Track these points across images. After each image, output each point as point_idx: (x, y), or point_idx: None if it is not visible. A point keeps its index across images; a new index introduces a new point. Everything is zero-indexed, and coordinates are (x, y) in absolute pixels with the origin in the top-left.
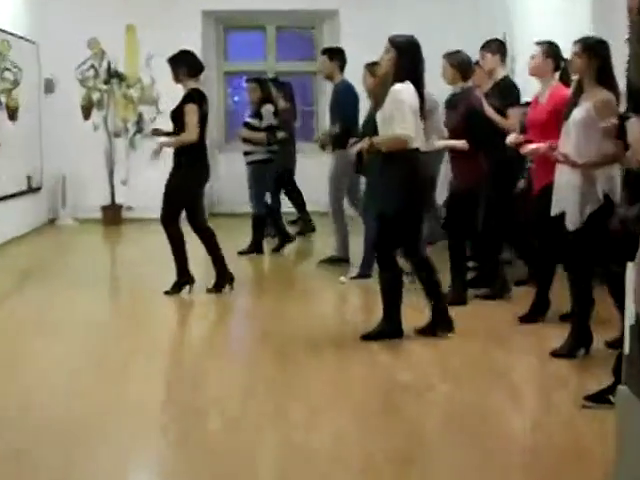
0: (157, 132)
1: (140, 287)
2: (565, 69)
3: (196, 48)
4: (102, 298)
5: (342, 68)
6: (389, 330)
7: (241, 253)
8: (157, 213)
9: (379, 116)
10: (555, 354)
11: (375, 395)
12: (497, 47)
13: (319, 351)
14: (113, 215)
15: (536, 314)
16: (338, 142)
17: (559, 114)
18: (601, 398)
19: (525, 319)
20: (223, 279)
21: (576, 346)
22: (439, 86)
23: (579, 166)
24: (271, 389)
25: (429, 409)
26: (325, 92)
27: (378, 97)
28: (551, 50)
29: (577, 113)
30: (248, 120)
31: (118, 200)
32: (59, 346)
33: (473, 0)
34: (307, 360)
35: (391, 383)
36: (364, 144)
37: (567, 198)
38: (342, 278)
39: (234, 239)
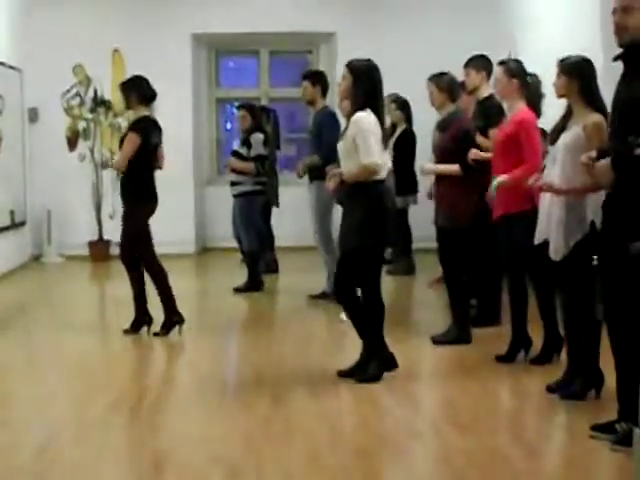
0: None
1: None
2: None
3: (186, 73)
4: (88, 341)
5: (324, 93)
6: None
7: (237, 290)
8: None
9: (341, 146)
10: (550, 389)
11: (377, 437)
12: (482, 64)
13: (317, 393)
14: (101, 251)
15: (516, 352)
16: (317, 173)
17: (516, 137)
18: (610, 429)
19: (503, 358)
20: (171, 321)
21: (586, 387)
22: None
23: (564, 192)
24: (269, 433)
25: (431, 452)
26: None
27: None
28: (516, 69)
29: (565, 137)
30: (236, 149)
31: (106, 235)
32: (42, 390)
33: (474, 21)
34: (305, 402)
35: (394, 425)
36: (335, 178)
37: (551, 227)
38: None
39: (225, 275)
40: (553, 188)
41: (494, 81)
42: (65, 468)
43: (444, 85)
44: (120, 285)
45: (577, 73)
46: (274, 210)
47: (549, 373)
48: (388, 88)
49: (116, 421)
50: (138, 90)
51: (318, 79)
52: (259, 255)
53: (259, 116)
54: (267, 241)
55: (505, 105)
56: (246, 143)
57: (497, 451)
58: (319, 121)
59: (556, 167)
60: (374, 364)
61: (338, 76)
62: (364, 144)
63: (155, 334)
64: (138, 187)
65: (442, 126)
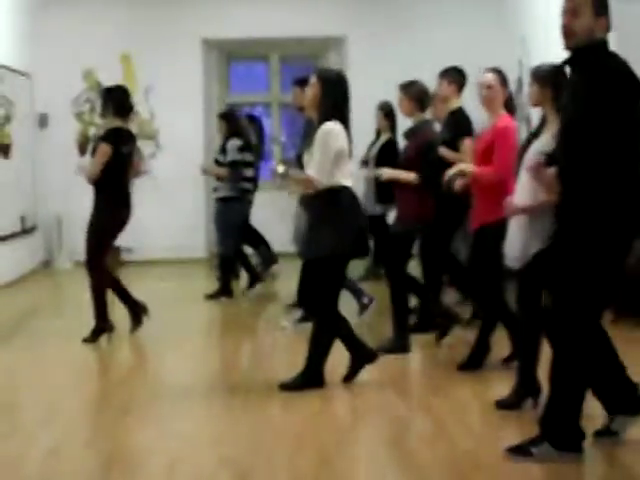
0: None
1: (138, 334)
2: (509, 99)
3: (197, 78)
4: (97, 347)
5: None
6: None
7: (210, 297)
8: (158, 254)
9: (306, 155)
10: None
11: (387, 442)
12: (454, 76)
13: (327, 397)
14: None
15: (477, 361)
16: None
17: (492, 146)
18: (525, 451)
19: (464, 366)
20: (101, 328)
21: (523, 396)
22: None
23: (527, 211)
24: (279, 437)
25: (443, 461)
26: None
27: (307, 134)
28: (501, 78)
29: (536, 144)
30: (215, 156)
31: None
32: (52, 396)
33: (486, 26)
34: (315, 406)
35: (404, 430)
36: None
37: (514, 235)
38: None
39: (237, 279)
40: (517, 210)
41: (484, 87)
42: (73, 474)
43: (411, 93)
44: (130, 290)
45: (549, 81)
46: (272, 216)
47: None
48: (397, 93)
49: (125, 426)
50: (117, 102)
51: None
52: (233, 261)
53: (237, 123)
54: (255, 239)
55: (481, 115)
56: (223, 150)
57: (508, 456)
58: (307, 128)
59: (525, 177)
60: (304, 375)
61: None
62: (320, 158)
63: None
64: (109, 196)
65: (408, 134)
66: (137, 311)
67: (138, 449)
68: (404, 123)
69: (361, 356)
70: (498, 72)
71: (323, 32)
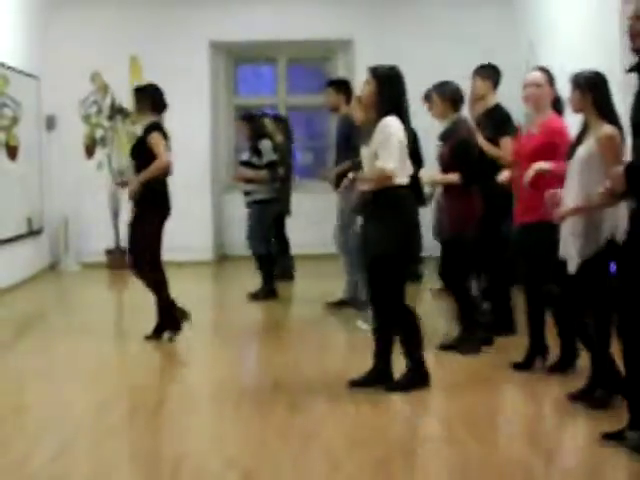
0: (125, 184)
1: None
2: (557, 99)
3: (204, 80)
4: (105, 349)
5: (348, 100)
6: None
7: (254, 297)
8: (164, 256)
9: (365, 151)
10: (572, 397)
11: (394, 447)
12: (489, 73)
13: (333, 400)
14: (118, 259)
15: (531, 361)
16: (342, 179)
17: (549, 146)
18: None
19: (520, 366)
20: (162, 326)
21: (608, 395)
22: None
23: (580, 210)
24: (285, 440)
25: (449, 461)
26: None
27: (363, 131)
28: (552, 78)
29: (580, 151)
30: (245, 159)
31: (123, 244)
32: (59, 397)
33: (493, 26)
34: (323, 410)
35: (411, 434)
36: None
37: (569, 242)
38: (360, 323)
39: (243, 282)
40: (570, 212)
41: (531, 86)
42: (82, 474)
43: (445, 94)
44: (137, 293)
45: (590, 87)
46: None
47: (566, 381)
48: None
49: (132, 427)
50: (153, 98)
51: (342, 86)
52: (274, 261)
53: (261, 123)
54: (281, 248)
55: (528, 113)
56: (255, 151)
57: (515, 459)
58: (344, 129)
59: (572, 182)
60: (408, 375)
61: (356, 83)
62: (386, 149)
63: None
64: (153, 192)
65: (443, 136)
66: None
67: (144, 450)
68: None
69: (381, 374)
70: (546, 71)
71: (331, 35)
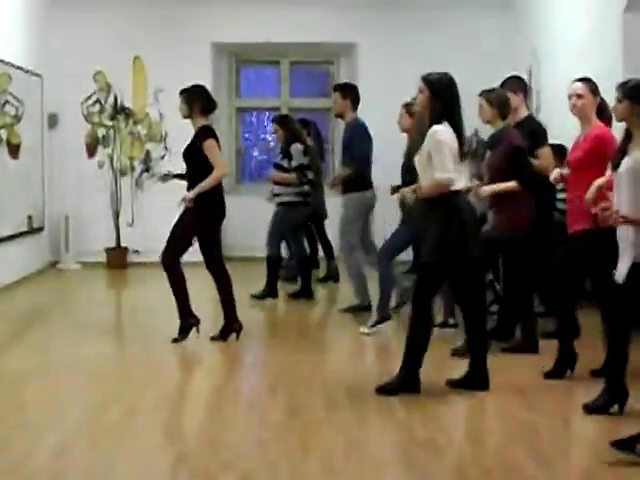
0: (167, 177)
1: (145, 335)
2: (602, 107)
3: (207, 82)
4: (105, 347)
5: (355, 106)
6: (406, 383)
7: (255, 297)
8: None
9: (417, 159)
10: (588, 409)
11: (393, 452)
12: (517, 85)
13: (335, 404)
14: (118, 258)
15: (563, 369)
16: (350, 185)
17: (595, 155)
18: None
19: (551, 374)
20: (230, 327)
21: (610, 402)
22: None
23: (636, 223)
24: (283, 442)
25: (448, 467)
26: (341, 130)
27: (414, 138)
28: (595, 87)
29: (626, 163)
30: (276, 161)
31: (123, 243)
32: (59, 396)
33: (496, 31)
34: (323, 414)
35: (409, 439)
36: (408, 194)
37: (623, 251)
38: (363, 329)
39: (247, 284)
40: (630, 220)
41: (575, 97)
42: (80, 472)
43: (493, 100)
44: (137, 292)
45: (637, 97)
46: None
47: (557, 389)
48: (409, 99)
49: (131, 426)
50: (203, 100)
51: (349, 91)
52: (279, 263)
53: (293, 127)
54: (325, 251)
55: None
56: (287, 155)
57: (514, 465)
58: (350, 133)
59: (622, 194)
60: (399, 377)
61: (359, 86)
62: (438, 158)
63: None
64: (210, 193)
65: (491, 144)
66: (187, 325)
67: (142, 450)
68: None
69: (409, 381)
70: (588, 80)
71: (334, 38)
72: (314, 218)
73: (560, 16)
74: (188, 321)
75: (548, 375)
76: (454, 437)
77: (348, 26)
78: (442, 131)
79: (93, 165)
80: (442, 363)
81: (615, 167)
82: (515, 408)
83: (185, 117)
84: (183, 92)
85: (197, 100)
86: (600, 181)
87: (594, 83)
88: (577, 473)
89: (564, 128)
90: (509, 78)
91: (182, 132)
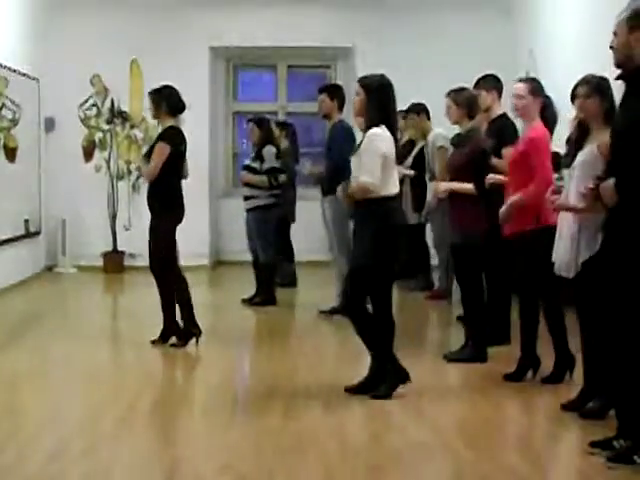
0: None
1: (141, 340)
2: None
3: (204, 86)
4: (101, 351)
5: (341, 107)
6: (396, 377)
7: (248, 302)
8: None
9: (354, 161)
10: (565, 407)
11: (388, 453)
12: (491, 83)
13: (328, 406)
14: (115, 263)
15: (524, 372)
16: (329, 186)
17: (529, 155)
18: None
19: (511, 377)
20: (170, 331)
21: (606, 405)
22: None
23: (579, 210)
24: (280, 446)
25: (442, 468)
26: None
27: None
28: (538, 87)
29: (581, 155)
30: (248, 163)
31: (120, 247)
32: (55, 400)
33: (492, 35)
34: (317, 417)
35: (403, 440)
36: (339, 190)
37: (561, 244)
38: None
39: (239, 288)
40: (568, 207)
41: (515, 98)
42: (76, 476)
43: (462, 101)
44: (133, 296)
45: (606, 92)
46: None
47: (558, 391)
48: (406, 103)
49: (127, 430)
50: (168, 100)
51: (335, 93)
52: (275, 268)
53: (269, 130)
54: (285, 254)
55: (520, 124)
56: (258, 157)
57: (508, 468)
58: (332, 134)
59: (573, 185)
60: (387, 381)
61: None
62: (367, 162)
63: (172, 345)
64: (166, 196)
65: (457, 143)
66: (171, 330)
67: (139, 453)
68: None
69: (392, 372)
70: (531, 81)
71: (331, 42)
72: (281, 221)
73: (557, 17)
74: (188, 328)
75: (508, 377)
76: (449, 440)
77: (345, 30)
78: (381, 137)
79: (90, 169)
80: (440, 367)
81: (570, 162)
82: (508, 411)
83: (153, 118)
84: (151, 93)
85: (164, 100)
86: (514, 199)
87: (538, 83)
88: (571, 474)
89: (560, 131)
90: (483, 77)
91: None
